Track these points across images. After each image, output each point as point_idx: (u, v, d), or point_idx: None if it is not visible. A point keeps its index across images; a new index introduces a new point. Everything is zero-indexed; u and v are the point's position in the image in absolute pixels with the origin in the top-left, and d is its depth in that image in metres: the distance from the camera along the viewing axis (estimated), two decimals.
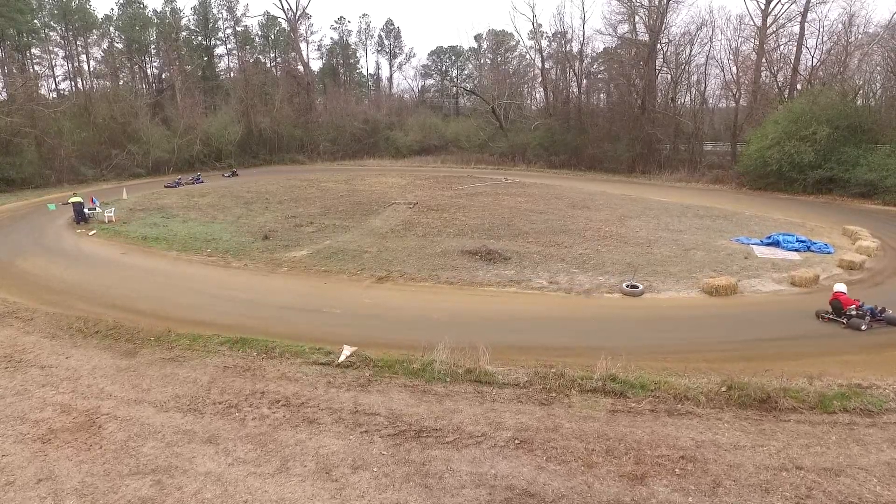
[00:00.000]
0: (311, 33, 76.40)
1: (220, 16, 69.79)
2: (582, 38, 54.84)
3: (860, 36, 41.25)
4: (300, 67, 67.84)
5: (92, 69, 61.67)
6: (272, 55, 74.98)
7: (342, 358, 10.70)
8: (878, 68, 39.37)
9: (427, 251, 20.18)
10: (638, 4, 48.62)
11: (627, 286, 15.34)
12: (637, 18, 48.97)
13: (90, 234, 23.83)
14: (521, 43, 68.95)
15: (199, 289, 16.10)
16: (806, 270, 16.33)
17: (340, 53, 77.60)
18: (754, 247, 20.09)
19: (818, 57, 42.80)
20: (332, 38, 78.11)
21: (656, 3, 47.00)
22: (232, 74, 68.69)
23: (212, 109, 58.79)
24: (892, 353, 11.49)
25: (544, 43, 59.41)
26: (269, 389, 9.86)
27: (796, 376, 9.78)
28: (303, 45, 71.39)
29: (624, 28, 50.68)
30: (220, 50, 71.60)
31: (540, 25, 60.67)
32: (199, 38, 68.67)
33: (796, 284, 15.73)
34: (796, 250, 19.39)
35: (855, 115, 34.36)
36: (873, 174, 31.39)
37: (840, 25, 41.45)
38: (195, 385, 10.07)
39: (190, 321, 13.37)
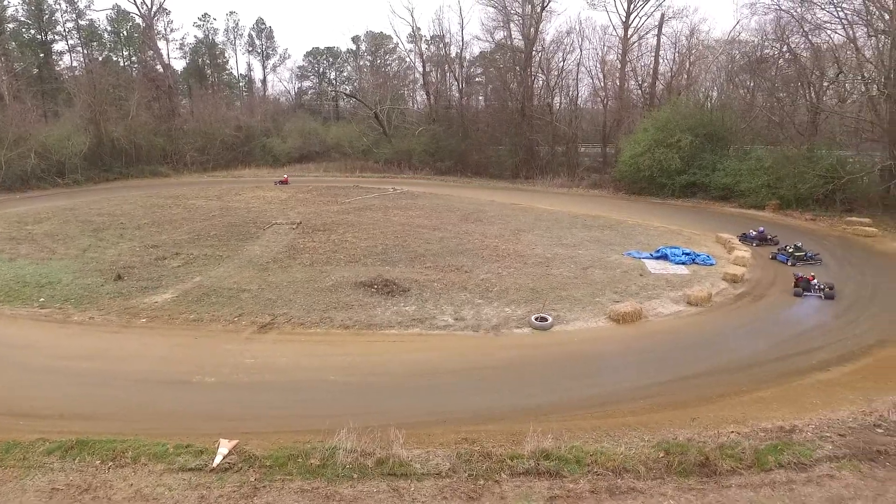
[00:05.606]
0: (171, 31, 69.08)
1: (58, 7, 60.54)
2: (461, 43, 54.83)
3: (701, 48, 45.60)
4: (159, 68, 60.97)
5: None
6: (125, 54, 66.78)
7: (218, 460, 8.53)
8: (714, 78, 43.93)
9: (316, 285, 18.10)
10: (513, 12, 49.54)
11: (536, 319, 14.57)
12: (512, 25, 49.97)
13: None
14: (401, 45, 67.63)
15: (24, 361, 12.69)
16: (700, 289, 16.77)
17: (207, 53, 70.96)
18: (646, 261, 20.47)
19: (673, 69, 46.61)
20: (195, 37, 71.09)
21: (529, 11, 48.13)
22: (77, 73, 59.91)
23: (52, 116, 50.65)
24: (796, 382, 11.69)
25: (423, 46, 58.75)
26: None
27: (724, 424, 9.39)
28: (162, 44, 64.34)
29: (500, 34, 51.53)
30: (60, 46, 62.29)
31: (419, 29, 59.75)
32: (32, 31, 59.11)
33: (692, 303, 16.05)
34: (683, 263, 20.03)
35: (710, 124, 37.38)
36: (729, 179, 34.24)
37: (683, 39, 45.53)
38: None
39: (6, 414, 10.31)
